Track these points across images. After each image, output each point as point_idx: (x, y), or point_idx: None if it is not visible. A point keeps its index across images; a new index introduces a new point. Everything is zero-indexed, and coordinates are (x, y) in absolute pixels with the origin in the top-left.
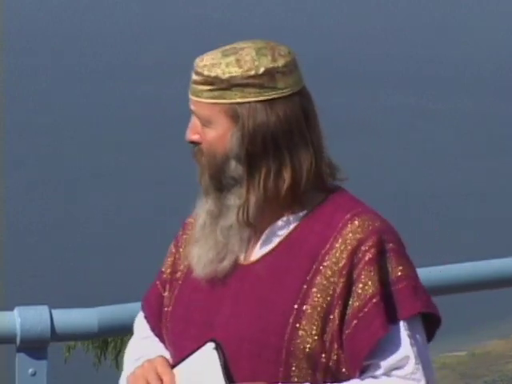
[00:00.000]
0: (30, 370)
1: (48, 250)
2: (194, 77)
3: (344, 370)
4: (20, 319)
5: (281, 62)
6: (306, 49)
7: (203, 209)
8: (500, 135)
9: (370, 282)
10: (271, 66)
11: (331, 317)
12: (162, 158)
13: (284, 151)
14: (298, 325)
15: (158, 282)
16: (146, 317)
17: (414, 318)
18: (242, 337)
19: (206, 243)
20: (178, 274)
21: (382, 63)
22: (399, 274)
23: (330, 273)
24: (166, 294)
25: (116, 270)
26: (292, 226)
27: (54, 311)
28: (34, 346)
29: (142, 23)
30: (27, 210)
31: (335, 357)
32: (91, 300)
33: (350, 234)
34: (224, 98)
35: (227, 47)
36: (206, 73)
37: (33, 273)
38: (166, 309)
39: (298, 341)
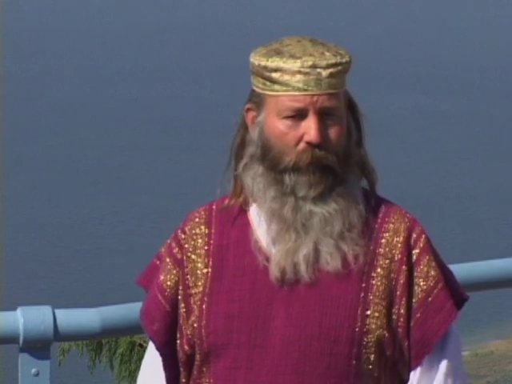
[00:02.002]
0: (33, 370)
1: (49, 250)
2: (330, 70)
3: (406, 357)
4: (23, 319)
5: None
6: None
7: (314, 213)
8: (500, 135)
9: (431, 270)
10: None
11: (396, 307)
12: (161, 158)
13: None
14: (366, 315)
15: (161, 300)
16: (151, 337)
17: None
18: (310, 335)
19: (301, 246)
20: (196, 290)
21: (382, 63)
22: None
23: (387, 261)
24: (182, 310)
25: (118, 270)
26: None
27: (56, 311)
28: (37, 346)
29: (141, 25)
30: (27, 210)
31: (399, 344)
32: (94, 300)
33: (396, 223)
34: (344, 86)
35: (309, 40)
36: (344, 60)
37: (35, 273)
38: (194, 324)
39: (366, 329)
